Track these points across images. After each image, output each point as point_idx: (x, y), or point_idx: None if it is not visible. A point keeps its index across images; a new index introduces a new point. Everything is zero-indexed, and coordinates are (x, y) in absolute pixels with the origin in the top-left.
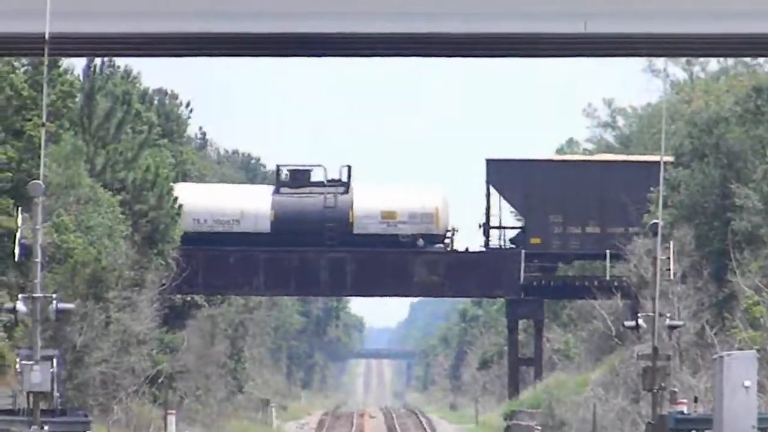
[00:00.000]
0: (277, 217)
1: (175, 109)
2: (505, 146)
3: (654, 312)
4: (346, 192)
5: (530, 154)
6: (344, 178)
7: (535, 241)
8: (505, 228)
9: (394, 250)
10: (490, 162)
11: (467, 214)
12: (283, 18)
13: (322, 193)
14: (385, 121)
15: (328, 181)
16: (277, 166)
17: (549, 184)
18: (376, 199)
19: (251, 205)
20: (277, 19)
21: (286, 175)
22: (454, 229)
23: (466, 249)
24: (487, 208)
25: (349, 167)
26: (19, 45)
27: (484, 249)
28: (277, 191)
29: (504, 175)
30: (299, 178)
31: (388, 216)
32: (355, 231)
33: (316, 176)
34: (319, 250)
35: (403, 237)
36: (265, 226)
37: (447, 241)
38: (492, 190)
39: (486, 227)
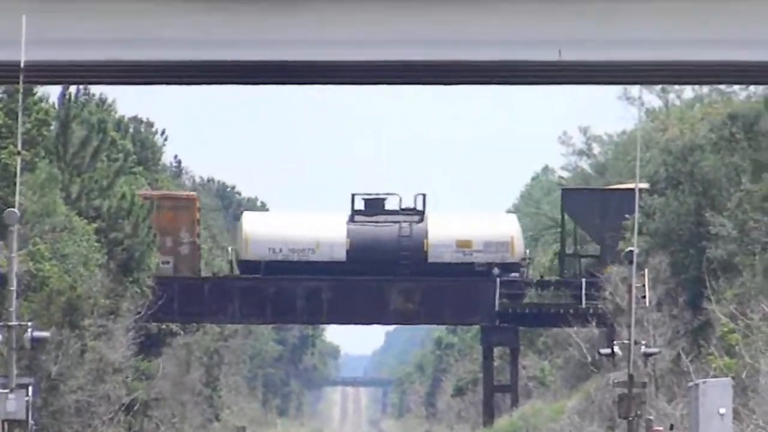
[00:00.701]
0: (352, 246)
1: (151, 137)
2: (481, 173)
3: (630, 339)
4: (421, 220)
5: (506, 181)
6: (419, 207)
7: (609, 270)
8: (582, 256)
9: (369, 278)
10: (565, 191)
11: None
12: (257, 46)
13: (397, 222)
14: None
15: (403, 209)
16: (352, 195)
17: (625, 212)
18: (450, 228)
19: (326, 233)
20: (251, 47)
21: (361, 203)
22: (528, 258)
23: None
24: (562, 237)
25: (424, 195)
26: None
27: (559, 277)
28: (351, 220)
29: (580, 204)
30: (374, 206)
31: (463, 245)
32: (430, 260)
33: (391, 204)
34: (293, 279)
35: (479, 266)
36: (341, 255)
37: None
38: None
39: (561, 256)
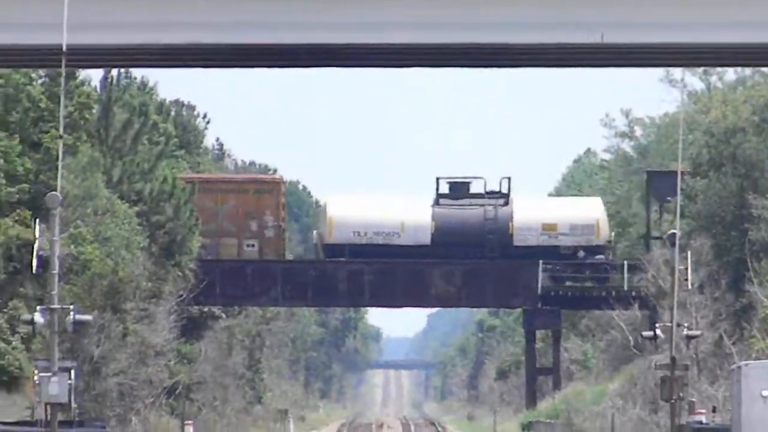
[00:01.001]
0: (437, 229)
1: (192, 120)
2: (524, 157)
3: (672, 322)
4: (506, 204)
5: (549, 165)
6: (503, 190)
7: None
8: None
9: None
10: (651, 173)
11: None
12: (299, 29)
13: (482, 205)
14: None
15: (488, 192)
16: (437, 179)
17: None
18: (536, 211)
19: (411, 217)
20: (289, 30)
21: (446, 186)
22: (613, 241)
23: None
24: (648, 219)
25: (509, 179)
26: (37, 57)
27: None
28: (436, 203)
29: (665, 186)
30: (459, 189)
31: (548, 228)
32: (516, 243)
33: (476, 188)
34: (336, 261)
35: (564, 249)
36: (426, 238)
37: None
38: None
39: (647, 238)
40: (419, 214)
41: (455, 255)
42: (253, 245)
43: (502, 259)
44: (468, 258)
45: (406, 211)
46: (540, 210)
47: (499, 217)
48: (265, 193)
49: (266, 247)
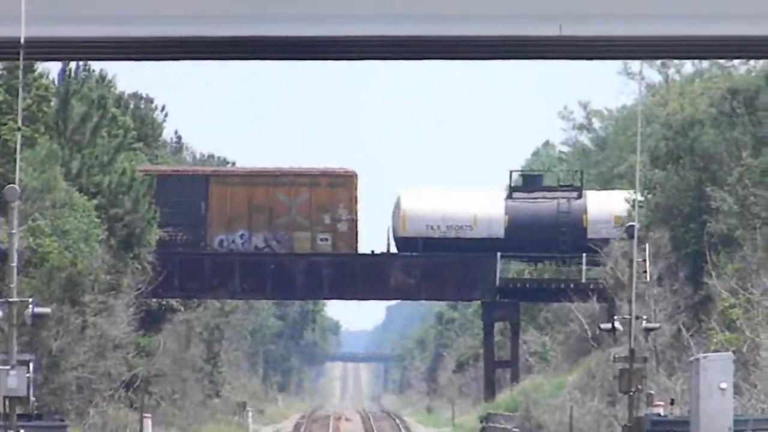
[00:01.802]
0: (510, 222)
1: (151, 113)
2: (482, 149)
3: (630, 314)
4: (580, 197)
5: (507, 157)
6: (576, 183)
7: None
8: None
9: (370, 253)
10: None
11: None
12: (258, 21)
13: (555, 198)
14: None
15: (560, 185)
16: (510, 171)
17: None
18: (608, 204)
19: (484, 210)
20: (251, 22)
21: (518, 180)
22: None
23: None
24: None
25: (581, 172)
26: None
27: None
28: (509, 196)
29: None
30: (532, 182)
31: (621, 221)
32: (589, 235)
33: (549, 181)
34: (294, 254)
35: None
36: (499, 231)
37: None
38: None
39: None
40: (492, 207)
41: (528, 248)
42: (326, 239)
43: (458, 253)
44: (541, 251)
45: (479, 204)
46: (613, 203)
47: (573, 209)
48: (339, 186)
49: (340, 241)
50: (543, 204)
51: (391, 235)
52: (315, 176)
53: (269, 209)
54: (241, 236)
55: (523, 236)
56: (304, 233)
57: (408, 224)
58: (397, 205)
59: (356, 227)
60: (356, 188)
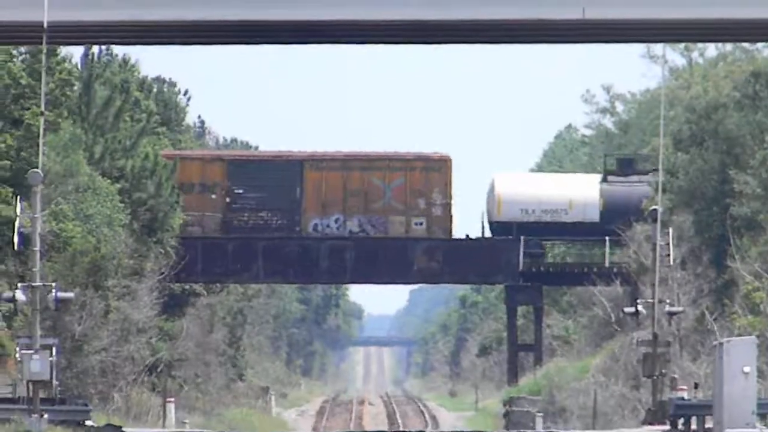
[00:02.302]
0: (605, 206)
1: (174, 97)
2: (505, 132)
3: (654, 298)
4: None
5: (529, 140)
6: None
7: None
8: None
9: (397, 237)
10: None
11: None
12: (281, 5)
13: (649, 182)
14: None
15: (655, 169)
16: (605, 155)
17: None
18: None
19: (579, 194)
20: (273, 6)
21: (612, 164)
22: None
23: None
24: None
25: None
26: (18, 33)
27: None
28: (604, 180)
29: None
30: (626, 166)
31: None
32: None
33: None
34: (319, 238)
35: None
36: (595, 215)
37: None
38: None
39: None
40: (587, 191)
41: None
42: (421, 223)
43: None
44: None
45: (573, 188)
46: None
47: None
48: (434, 171)
49: (434, 225)
50: (638, 188)
51: (486, 220)
52: (410, 160)
53: (364, 193)
54: (336, 221)
55: (617, 219)
56: (398, 217)
57: (503, 208)
58: (492, 189)
59: (451, 212)
60: (451, 172)
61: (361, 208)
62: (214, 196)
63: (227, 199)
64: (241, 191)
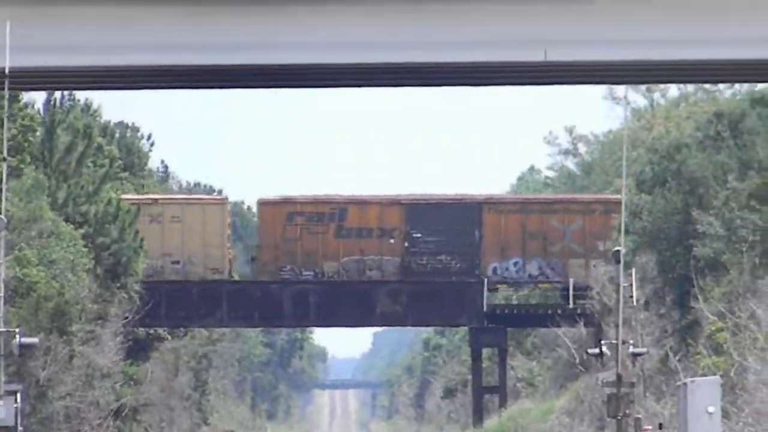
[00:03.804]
0: None
1: (137, 142)
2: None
3: (618, 339)
4: None
5: (492, 182)
6: None
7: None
8: None
9: (360, 281)
10: None
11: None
12: (240, 50)
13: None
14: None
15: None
16: None
17: None
18: None
19: None
20: (234, 51)
21: None
22: None
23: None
24: None
25: None
26: None
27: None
28: None
29: None
30: None
31: None
32: None
33: None
34: (280, 282)
35: None
36: None
37: None
38: None
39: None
40: None
41: None
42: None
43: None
44: None
45: None
46: None
47: None
48: (613, 212)
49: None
50: None
51: None
52: (589, 203)
53: (543, 236)
54: (515, 264)
55: None
56: (578, 260)
57: None
58: None
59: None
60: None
61: (540, 251)
62: (392, 241)
63: (405, 244)
64: (419, 235)
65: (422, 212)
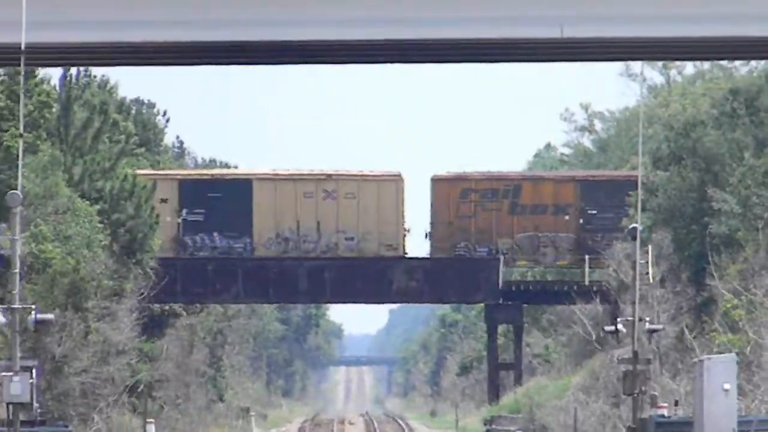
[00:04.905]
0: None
1: (153, 118)
2: (483, 151)
3: (634, 316)
4: None
5: (508, 160)
6: None
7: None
8: None
9: (375, 257)
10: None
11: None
12: (257, 26)
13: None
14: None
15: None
16: None
17: None
18: None
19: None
20: (247, 27)
21: None
22: None
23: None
24: None
25: None
26: None
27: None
28: None
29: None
30: None
31: None
32: None
33: None
34: (297, 258)
35: None
36: None
37: None
38: None
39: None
40: None
41: None
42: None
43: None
44: None
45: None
46: None
47: None
48: None
49: None
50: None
51: None
52: None
53: None
54: None
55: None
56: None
57: None
58: None
59: None
60: None
61: None
62: (567, 217)
63: (580, 220)
64: (594, 212)
65: (596, 189)
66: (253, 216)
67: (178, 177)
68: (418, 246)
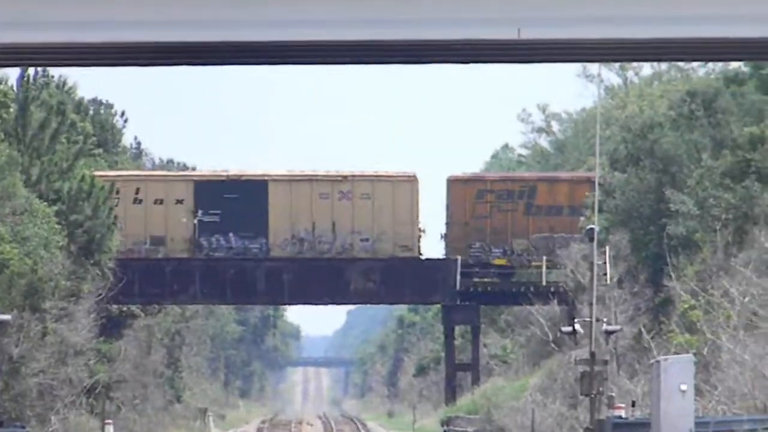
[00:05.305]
0: None
1: (110, 119)
2: (440, 152)
3: (591, 317)
4: None
5: (465, 160)
6: None
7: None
8: None
9: (329, 258)
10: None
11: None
12: (218, 26)
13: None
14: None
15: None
16: None
17: None
18: None
19: None
20: (212, 28)
21: None
22: None
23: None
24: None
25: None
26: None
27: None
28: None
29: None
30: None
31: None
32: None
33: None
34: (257, 259)
35: None
36: None
37: None
38: None
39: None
40: None
41: None
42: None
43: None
44: None
45: None
46: None
47: None
48: None
49: None
50: None
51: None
52: None
53: None
54: None
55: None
56: None
57: None
58: None
59: None
60: None
61: None
62: (582, 218)
63: None
64: None
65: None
66: (269, 217)
67: (194, 178)
68: (432, 247)
